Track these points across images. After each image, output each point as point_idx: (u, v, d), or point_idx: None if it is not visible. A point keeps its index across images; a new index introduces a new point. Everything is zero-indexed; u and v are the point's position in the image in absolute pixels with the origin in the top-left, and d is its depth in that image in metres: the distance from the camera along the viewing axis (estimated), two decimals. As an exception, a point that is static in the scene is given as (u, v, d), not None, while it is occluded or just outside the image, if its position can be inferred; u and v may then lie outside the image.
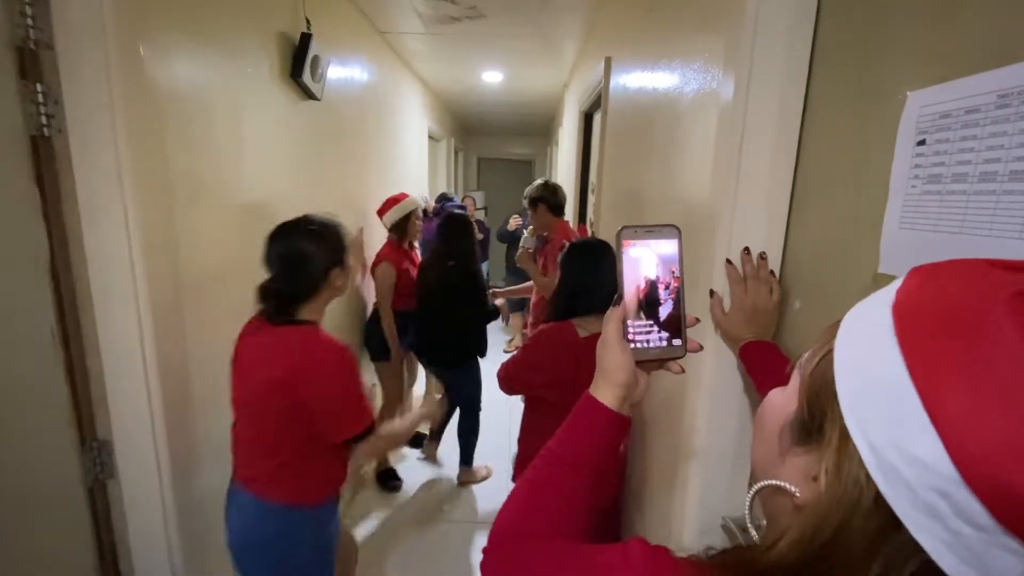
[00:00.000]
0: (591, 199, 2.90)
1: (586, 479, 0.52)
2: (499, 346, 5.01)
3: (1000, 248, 0.45)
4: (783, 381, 0.41)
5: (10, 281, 1.02)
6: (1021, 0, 0.45)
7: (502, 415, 3.34)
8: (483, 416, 2.95)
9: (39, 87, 1.00)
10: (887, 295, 0.32)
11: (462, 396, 2.69)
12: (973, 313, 0.27)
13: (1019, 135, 0.43)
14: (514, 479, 1.58)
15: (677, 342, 0.52)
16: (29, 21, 0.98)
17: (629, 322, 0.51)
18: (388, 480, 2.68)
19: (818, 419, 0.34)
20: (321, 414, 1.13)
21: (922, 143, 0.53)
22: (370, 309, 2.70)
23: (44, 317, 1.05)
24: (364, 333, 2.65)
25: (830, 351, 0.34)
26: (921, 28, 0.57)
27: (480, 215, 5.29)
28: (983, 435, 0.25)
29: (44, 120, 1.01)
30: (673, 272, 0.51)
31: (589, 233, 1.62)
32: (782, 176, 0.84)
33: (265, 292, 1.16)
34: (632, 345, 0.51)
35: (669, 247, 0.51)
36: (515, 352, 1.48)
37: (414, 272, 2.62)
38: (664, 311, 0.51)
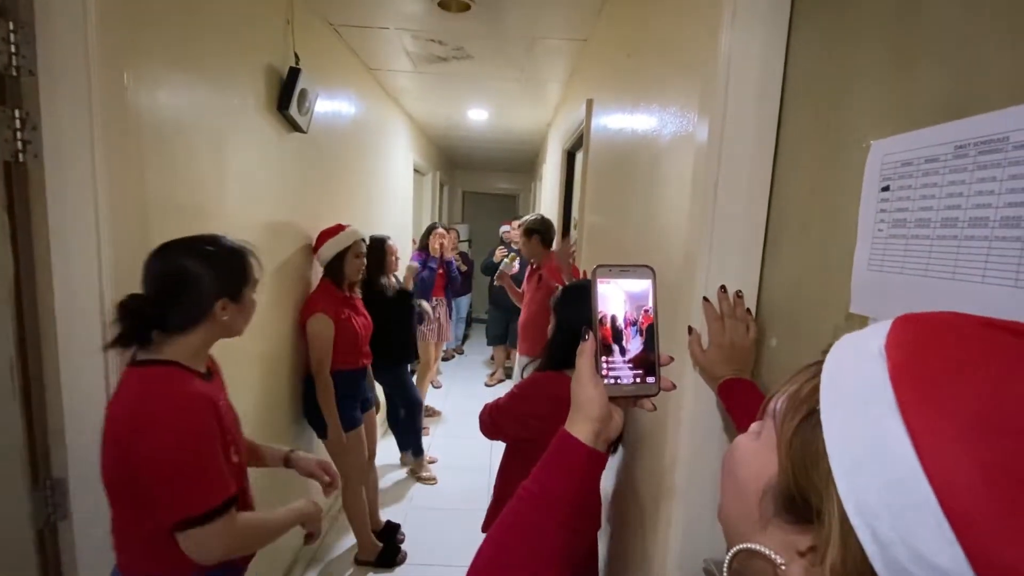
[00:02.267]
0: (572, 235, 2.95)
1: (564, 517, 0.50)
2: (480, 379, 4.96)
3: (962, 291, 0.46)
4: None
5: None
6: (976, 56, 0.49)
7: (483, 453, 3.28)
8: (465, 453, 3.12)
9: (17, 112, 0.99)
10: (873, 344, 0.30)
11: (407, 397, 2.91)
12: (993, 392, 0.24)
13: (977, 184, 0.46)
14: (483, 530, 1.46)
15: (651, 380, 0.53)
16: (12, 48, 0.98)
17: (603, 359, 0.52)
18: (391, 557, 2.34)
19: (810, 497, 0.31)
20: (149, 480, 0.86)
21: (886, 189, 0.55)
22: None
23: (3, 346, 1.00)
24: (304, 404, 2.19)
25: (815, 411, 0.31)
26: (882, 79, 0.61)
27: (464, 247, 5.31)
28: (1013, 546, 0.22)
29: (20, 145, 1.00)
30: (647, 311, 0.52)
31: (581, 274, 1.61)
32: (756, 216, 0.87)
33: (123, 310, 0.90)
34: (606, 381, 0.52)
35: (643, 286, 0.52)
36: (502, 398, 1.41)
37: (358, 321, 2.19)
38: (637, 349, 0.52)
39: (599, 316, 0.51)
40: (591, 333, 0.52)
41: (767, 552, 0.33)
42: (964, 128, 0.47)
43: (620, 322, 0.52)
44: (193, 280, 0.94)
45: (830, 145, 0.71)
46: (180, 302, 0.94)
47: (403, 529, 2.57)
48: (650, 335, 0.52)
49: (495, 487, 1.48)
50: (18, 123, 0.99)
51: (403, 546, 2.45)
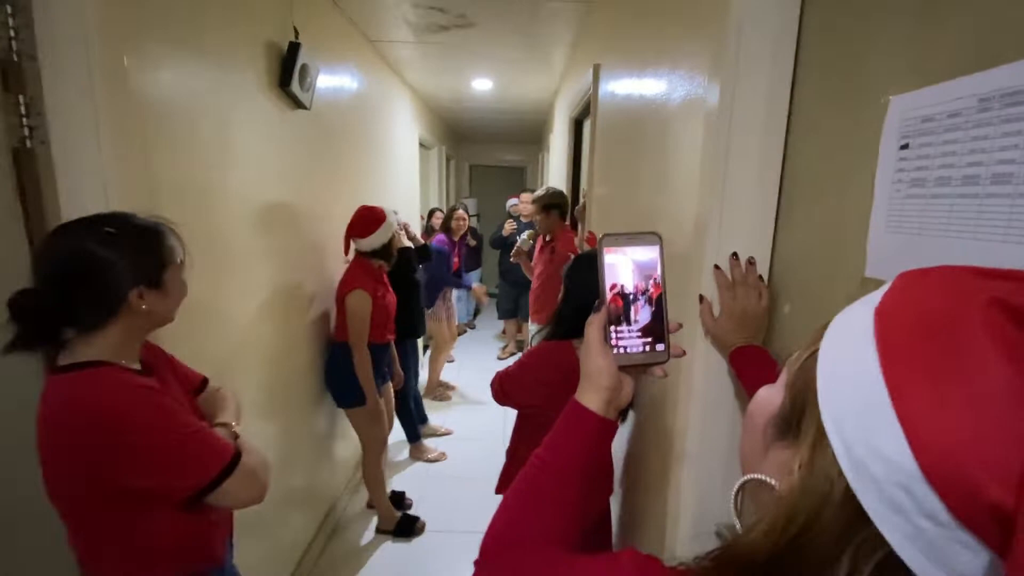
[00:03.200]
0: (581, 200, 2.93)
1: (576, 484, 0.52)
2: (493, 353, 5.01)
3: (984, 251, 0.45)
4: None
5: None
6: (1001, 4, 0.46)
7: (496, 424, 3.34)
8: (479, 424, 3.12)
9: (22, 99, 0.99)
10: (874, 299, 0.33)
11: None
12: (949, 318, 0.28)
13: (1000, 139, 0.44)
14: (497, 491, 1.54)
15: (660, 347, 0.53)
16: (11, 32, 0.97)
17: (612, 328, 0.52)
18: (409, 527, 2.40)
19: (798, 415, 0.35)
20: (151, 470, 0.82)
21: (905, 147, 0.53)
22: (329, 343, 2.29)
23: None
24: (326, 374, 2.26)
25: (816, 351, 0.35)
26: (903, 30, 0.58)
27: (473, 222, 5.29)
28: (944, 433, 0.26)
29: (26, 132, 1.00)
30: (655, 279, 0.52)
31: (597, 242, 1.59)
32: (769, 181, 0.84)
33: (14, 308, 0.77)
34: (615, 350, 0.52)
35: (650, 254, 0.52)
36: (512, 366, 1.45)
37: (390, 299, 2.30)
38: (646, 317, 0.52)
39: (607, 286, 0.51)
40: (601, 304, 0.52)
41: (763, 477, 0.37)
42: (988, 80, 0.45)
43: (629, 291, 0.51)
44: (96, 268, 0.80)
45: (847, 103, 0.68)
46: (85, 294, 0.81)
47: (422, 498, 2.66)
48: (659, 303, 0.52)
49: (508, 451, 1.55)
50: (23, 109, 0.99)
51: (422, 514, 2.52)
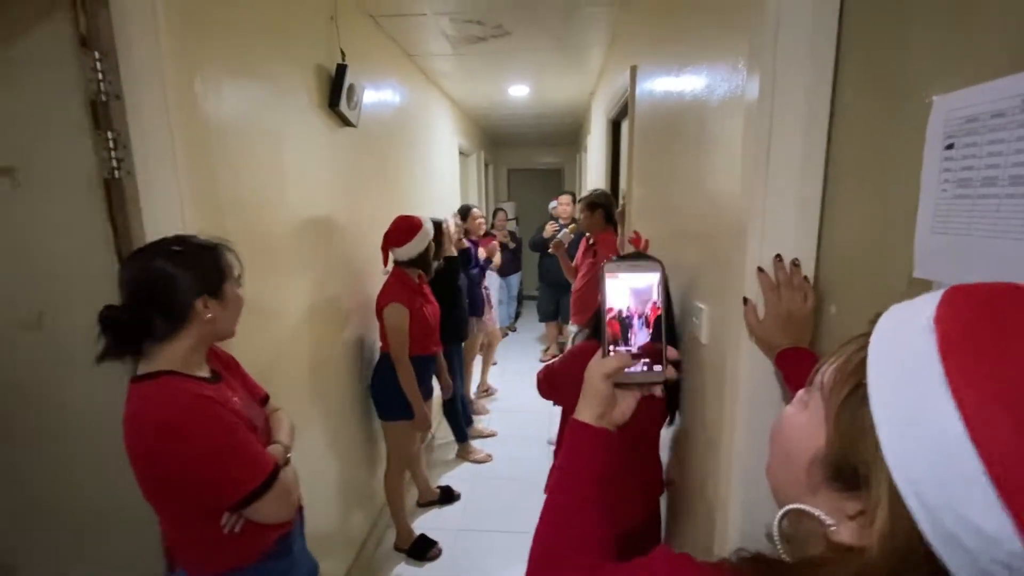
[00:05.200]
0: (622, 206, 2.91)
1: (593, 494, 0.55)
2: (535, 355, 5.04)
3: (1034, 251, 0.44)
4: None
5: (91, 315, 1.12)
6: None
7: (542, 426, 3.37)
8: (523, 426, 3.30)
9: (110, 135, 1.11)
10: (922, 317, 0.30)
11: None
12: None
13: (1050, 136, 0.43)
14: (546, 490, 1.57)
15: (658, 368, 0.56)
16: (100, 75, 1.09)
17: (611, 347, 0.56)
18: (424, 550, 2.34)
19: (858, 467, 0.32)
20: (199, 478, 0.90)
21: (950, 147, 0.53)
22: (377, 355, 2.29)
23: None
24: (372, 386, 2.25)
25: (862, 384, 0.32)
26: (945, 29, 0.57)
27: (512, 226, 5.34)
28: None
29: (115, 164, 1.12)
30: (654, 303, 0.55)
31: (642, 243, 1.62)
32: (812, 179, 0.83)
33: (101, 322, 0.88)
34: None
35: (650, 280, 0.55)
36: (556, 360, 1.51)
37: (431, 310, 2.24)
38: (644, 339, 0.56)
39: (607, 310, 0.55)
40: (599, 328, 0.57)
41: (817, 514, 0.35)
42: (1036, 77, 0.44)
43: (627, 315, 0.55)
44: (166, 281, 0.92)
45: (890, 100, 0.67)
46: (158, 306, 0.92)
47: (466, 499, 2.73)
48: (657, 326, 0.55)
49: (555, 451, 1.60)
50: (111, 143, 1.11)
51: (466, 513, 2.57)
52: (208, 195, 1.26)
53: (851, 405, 0.33)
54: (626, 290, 0.55)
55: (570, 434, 0.58)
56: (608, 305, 0.55)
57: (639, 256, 1.42)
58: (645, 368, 0.56)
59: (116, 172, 1.12)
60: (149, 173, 1.13)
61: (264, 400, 1.17)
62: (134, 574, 1.25)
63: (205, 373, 1.00)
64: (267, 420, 1.13)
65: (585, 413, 0.58)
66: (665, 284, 0.56)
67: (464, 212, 3.56)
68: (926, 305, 0.31)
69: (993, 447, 0.24)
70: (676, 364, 0.57)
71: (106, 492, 1.20)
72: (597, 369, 0.57)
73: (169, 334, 0.93)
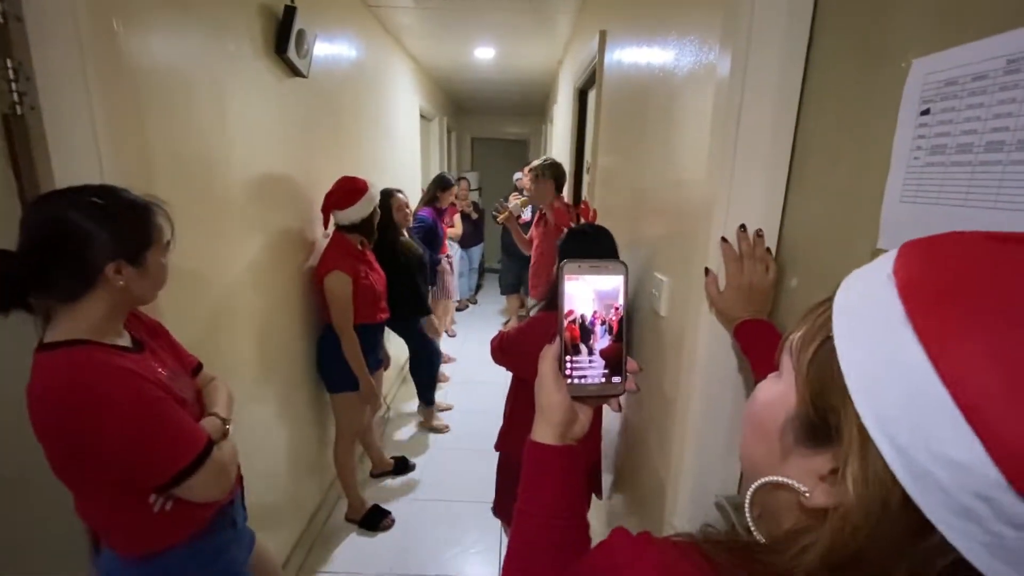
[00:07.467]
0: (586, 179, 2.88)
1: (563, 520, 0.51)
2: (495, 328, 5.02)
3: (1007, 220, 0.43)
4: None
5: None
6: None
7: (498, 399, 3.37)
8: (480, 399, 3.25)
9: (9, 62, 0.96)
10: (881, 272, 0.30)
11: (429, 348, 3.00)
12: (998, 292, 0.25)
13: (1028, 102, 0.42)
14: (496, 448, 1.68)
15: (616, 379, 0.52)
16: (-5, -9, 0.94)
17: (568, 358, 0.51)
18: (376, 520, 2.31)
19: (828, 418, 0.31)
20: (125, 457, 0.81)
21: (926, 112, 0.51)
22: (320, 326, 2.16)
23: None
24: (317, 358, 2.15)
25: (829, 338, 0.32)
26: (927, -8, 0.55)
27: (475, 196, 5.23)
28: None
29: (16, 97, 0.97)
30: (616, 309, 0.50)
31: (592, 211, 1.62)
32: (780, 152, 0.82)
33: None
34: (569, 381, 0.51)
35: (613, 283, 0.50)
36: (512, 329, 1.52)
37: (376, 277, 2.14)
38: (603, 347, 0.51)
39: (564, 314, 0.50)
40: (557, 334, 0.51)
41: (790, 482, 0.34)
42: (1018, 39, 0.43)
43: (588, 321, 0.50)
44: (76, 236, 0.79)
45: (866, 66, 0.65)
46: (61, 263, 0.79)
47: (421, 470, 2.71)
48: (618, 334, 0.51)
49: (504, 413, 1.69)
50: (11, 73, 0.96)
51: (423, 482, 2.57)
52: (134, 143, 1.12)
53: (819, 359, 0.33)
54: (588, 292, 0.50)
55: (530, 460, 0.53)
56: (567, 308, 0.50)
57: (602, 251, 1.40)
58: (604, 380, 0.52)
59: (18, 107, 0.97)
60: (57, 109, 0.99)
61: (197, 369, 1.07)
62: (49, 554, 1.15)
63: (125, 342, 0.89)
64: (199, 392, 1.03)
65: (544, 433, 0.52)
66: (627, 288, 0.51)
67: (446, 183, 3.42)
68: (884, 261, 0.31)
69: (958, 375, 0.25)
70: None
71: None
72: (547, 378, 0.52)
73: (74, 296, 0.82)
